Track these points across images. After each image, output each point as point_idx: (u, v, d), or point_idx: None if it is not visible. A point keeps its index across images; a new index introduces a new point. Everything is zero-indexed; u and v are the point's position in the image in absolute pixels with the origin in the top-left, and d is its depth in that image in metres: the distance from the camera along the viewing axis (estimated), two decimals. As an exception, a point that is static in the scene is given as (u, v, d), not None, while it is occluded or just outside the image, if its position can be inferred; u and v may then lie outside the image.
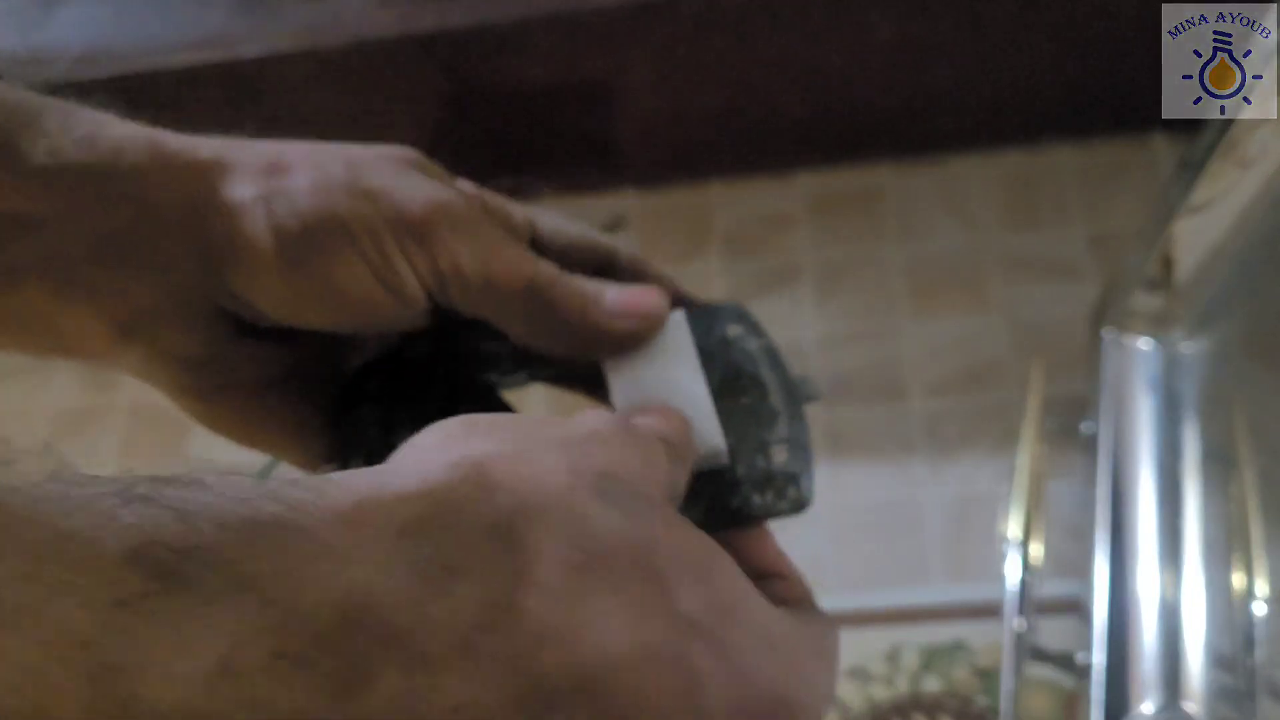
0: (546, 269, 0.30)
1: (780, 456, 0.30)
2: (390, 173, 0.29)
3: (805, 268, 1.08)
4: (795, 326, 1.04)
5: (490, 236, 0.30)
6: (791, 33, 1.00)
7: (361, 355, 0.33)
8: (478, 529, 0.19)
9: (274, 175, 0.28)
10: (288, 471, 0.35)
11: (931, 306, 1.03)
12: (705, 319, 0.33)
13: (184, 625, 0.15)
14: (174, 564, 0.15)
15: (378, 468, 0.20)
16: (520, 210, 0.32)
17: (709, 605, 0.21)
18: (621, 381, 0.31)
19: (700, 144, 1.12)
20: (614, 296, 0.31)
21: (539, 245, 0.32)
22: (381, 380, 0.33)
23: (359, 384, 0.33)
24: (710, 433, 0.30)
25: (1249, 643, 0.61)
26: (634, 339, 0.31)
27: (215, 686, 0.15)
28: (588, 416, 0.24)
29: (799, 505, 0.30)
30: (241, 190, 0.28)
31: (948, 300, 1.03)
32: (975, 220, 1.08)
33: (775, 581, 0.29)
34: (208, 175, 0.28)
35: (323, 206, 0.28)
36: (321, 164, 0.29)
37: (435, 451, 0.20)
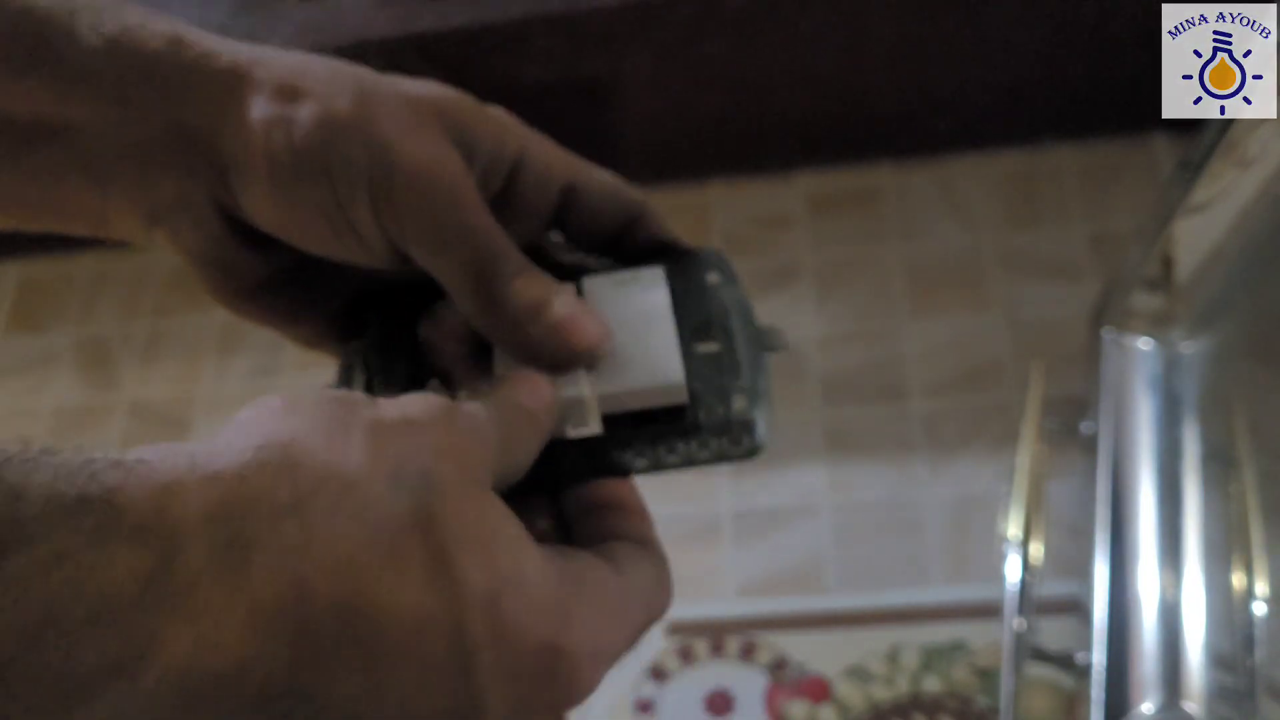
0: (508, 256, 0.30)
1: (739, 403, 0.31)
2: (398, 120, 0.30)
3: (805, 268, 1.08)
4: (795, 326, 1.04)
5: (465, 207, 0.30)
6: (791, 33, 1.00)
7: (356, 277, 0.35)
8: (274, 510, 0.21)
9: (285, 100, 0.30)
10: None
11: (931, 306, 1.04)
12: (685, 265, 0.35)
13: (5, 588, 0.18)
14: (4, 536, 0.18)
15: (195, 446, 0.22)
16: (559, 153, 0.33)
17: (490, 578, 0.23)
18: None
19: (700, 144, 1.12)
20: (559, 314, 0.30)
21: (573, 192, 0.34)
22: (381, 311, 0.35)
23: (359, 312, 0.35)
24: (672, 369, 0.31)
25: (1249, 643, 0.61)
26: (558, 361, 0.31)
27: (27, 642, 0.18)
28: (408, 401, 0.25)
29: (753, 451, 0.31)
30: (253, 110, 0.30)
31: (948, 300, 1.04)
32: (975, 220, 1.08)
33: (615, 513, 0.30)
34: (227, 90, 0.30)
35: (315, 143, 0.29)
36: (333, 96, 0.30)
37: (252, 428, 0.23)
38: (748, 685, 0.86)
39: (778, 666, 0.87)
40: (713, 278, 0.35)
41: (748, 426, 0.31)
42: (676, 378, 0.31)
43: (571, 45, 1.01)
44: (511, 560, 0.24)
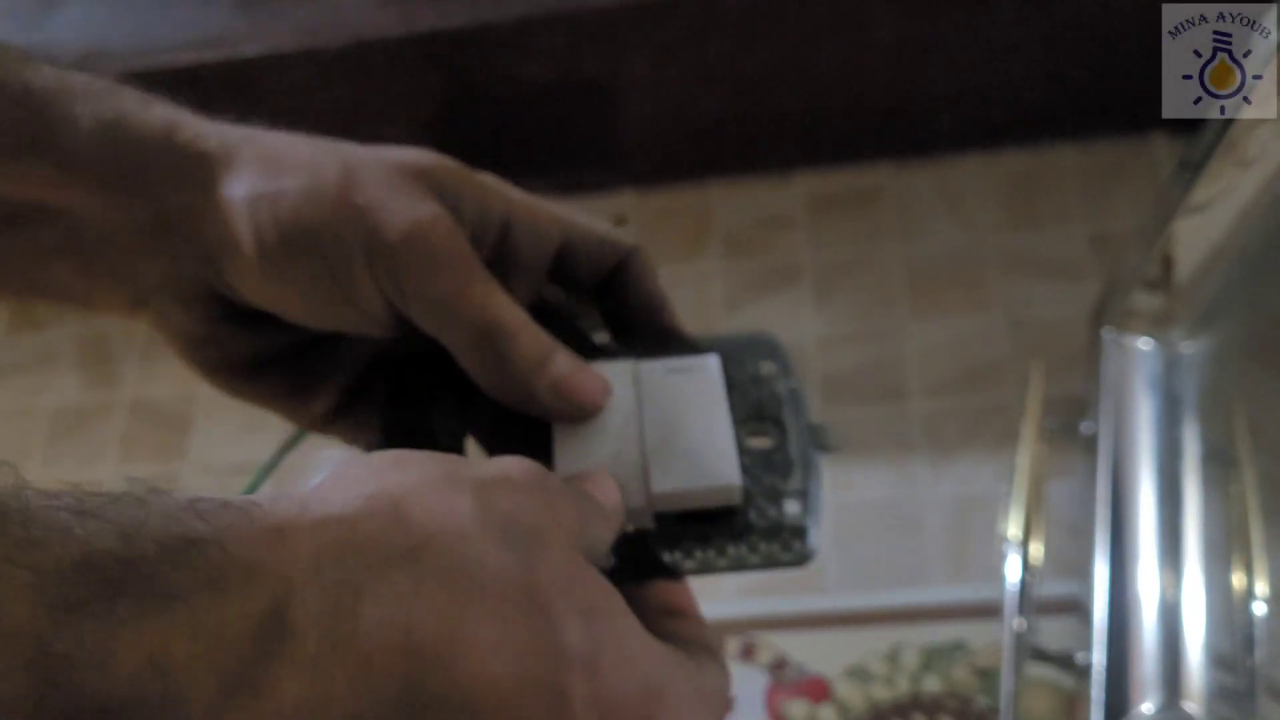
0: (511, 317, 0.30)
1: (792, 508, 0.30)
2: (384, 186, 0.30)
3: (805, 268, 1.08)
4: (795, 326, 1.04)
5: (463, 269, 0.30)
6: (791, 33, 1.00)
7: (351, 348, 0.34)
8: (386, 557, 0.21)
9: (269, 175, 0.30)
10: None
11: (931, 306, 1.04)
12: (739, 351, 0.34)
13: (121, 627, 0.17)
14: (117, 574, 0.18)
15: (305, 494, 0.21)
16: (549, 212, 0.33)
17: (591, 641, 0.23)
18: (650, 415, 0.31)
19: (700, 144, 1.12)
20: (560, 371, 0.30)
21: (566, 248, 0.33)
22: (424, 382, 0.34)
23: (402, 382, 0.34)
24: (728, 471, 0.30)
25: (1249, 643, 0.61)
26: (562, 416, 0.31)
27: (141, 680, 0.17)
28: (506, 462, 0.25)
29: (802, 559, 0.30)
30: (237, 188, 0.29)
31: (948, 300, 1.03)
32: (975, 220, 1.08)
33: (676, 618, 0.30)
34: (212, 170, 0.30)
35: (302, 216, 0.29)
36: (317, 169, 0.30)
37: (359, 483, 0.22)
38: (748, 685, 0.86)
39: (778, 666, 0.87)
40: (767, 368, 0.34)
41: (799, 533, 0.30)
42: (734, 480, 0.30)
43: (572, 45, 1.01)
44: (612, 628, 0.24)
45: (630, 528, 0.29)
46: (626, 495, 0.29)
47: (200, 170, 0.30)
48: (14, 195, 0.29)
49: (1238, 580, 0.63)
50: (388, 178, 0.30)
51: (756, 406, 0.32)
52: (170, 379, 1.15)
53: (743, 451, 0.31)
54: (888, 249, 1.08)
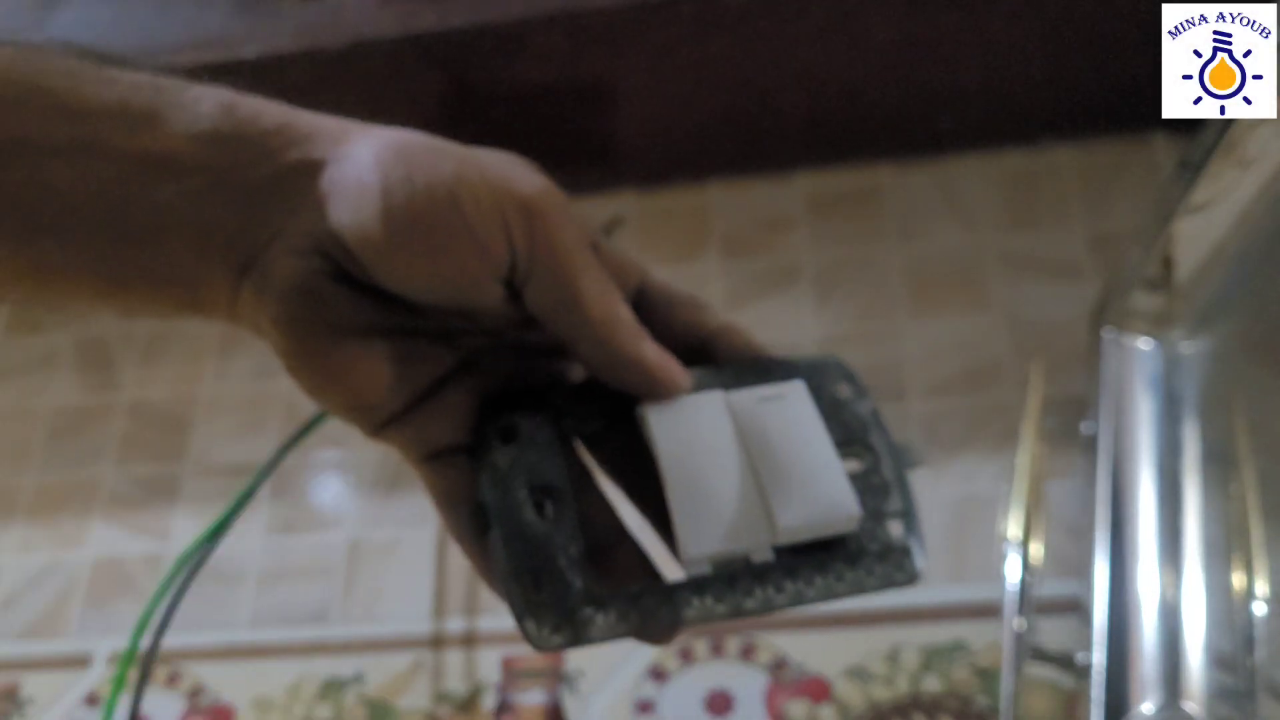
0: (615, 291, 0.32)
1: (896, 529, 0.31)
2: (504, 160, 0.32)
3: (805, 268, 1.08)
4: (795, 327, 1.04)
5: (582, 236, 0.32)
6: (791, 33, 1.00)
7: (439, 348, 0.34)
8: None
9: (392, 138, 0.31)
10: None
11: (931, 306, 1.03)
12: (815, 375, 0.34)
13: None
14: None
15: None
16: (633, 260, 0.34)
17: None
18: (754, 446, 0.31)
19: (699, 144, 1.12)
20: (652, 350, 0.32)
21: (644, 294, 0.34)
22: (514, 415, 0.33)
23: (494, 415, 0.34)
24: (847, 499, 0.30)
25: (1249, 643, 0.61)
26: (647, 389, 0.32)
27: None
28: None
29: (913, 578, 0.31)
30: (362, 147, 0.31)
31: (948, 300, 1.03)
32: (975, 220, 1.08)
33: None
34: (334, 136, 0.31)
35: (434, 169, 0.30)
36: (437, 140, 0.32)
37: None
38: (748, 685, 0.86)
39: (778, 666, 0.87)
40: (844, 391, 0.34)
41: (907, 552, 0.31)
42: (855, 509, 0.30)
43: (571, 45, 1.01)
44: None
45: (755, 560, 0.30)
46: (751, 533, 0.29)
47: (322, 137, 0.31)
48: (147, 149, 0.29)
49: (1238, 580, 0.63)
50: (504, 157, 0.32)
51: (844, 430, 0.33)
52: (170, 380, 1.15)
53: None
54: (888, 249, 1.08)
